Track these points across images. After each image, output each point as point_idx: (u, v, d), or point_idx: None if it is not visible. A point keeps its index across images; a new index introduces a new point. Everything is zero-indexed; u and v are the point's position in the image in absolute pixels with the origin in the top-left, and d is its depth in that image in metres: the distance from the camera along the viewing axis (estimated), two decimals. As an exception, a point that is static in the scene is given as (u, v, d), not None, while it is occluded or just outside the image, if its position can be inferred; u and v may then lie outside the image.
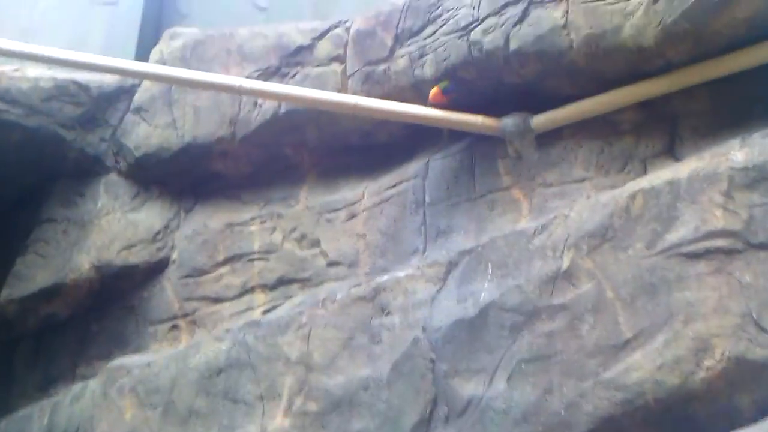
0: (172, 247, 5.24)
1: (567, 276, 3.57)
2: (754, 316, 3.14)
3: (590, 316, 3.45)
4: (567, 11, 3.99)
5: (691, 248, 3.34)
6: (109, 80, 5.60)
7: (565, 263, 3.60)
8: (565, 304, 3.53)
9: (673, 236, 3.40)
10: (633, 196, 3.58)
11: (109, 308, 5.32)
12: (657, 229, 3.45)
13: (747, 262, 3.23)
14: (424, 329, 3.88)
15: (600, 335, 3.40)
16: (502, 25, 4.19)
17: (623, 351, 3.33)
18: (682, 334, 3.24)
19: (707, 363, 3.15)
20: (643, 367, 3.25)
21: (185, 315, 5.03)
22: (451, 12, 4.44)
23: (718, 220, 3.33)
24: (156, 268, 5.22)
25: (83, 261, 5.28)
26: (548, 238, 3.72)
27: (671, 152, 3.97)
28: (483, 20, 4.26)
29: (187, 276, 5.10)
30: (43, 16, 7.05)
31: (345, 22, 4.97)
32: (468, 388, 3.63)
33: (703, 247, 3.32)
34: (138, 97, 5.47)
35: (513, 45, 4.14)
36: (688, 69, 3.84)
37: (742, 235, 3.26)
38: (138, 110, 5.43)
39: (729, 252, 3.27)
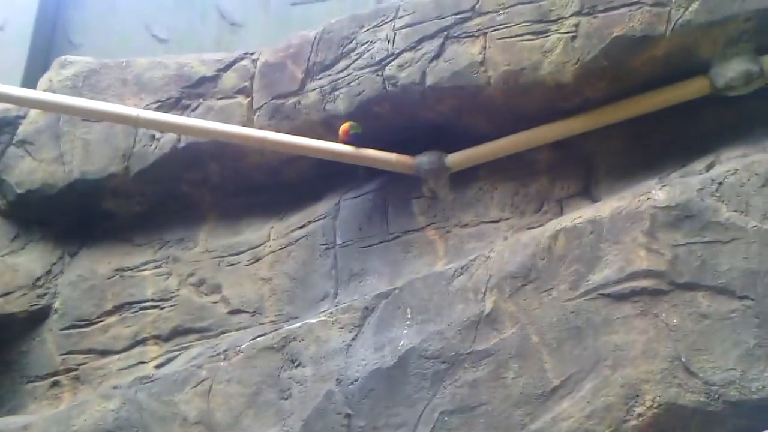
0: (55, 295, 4.74)
1: (490, 320, 3.40)
2: (683, 360, 3.05)
3: (515, 362, 3.28)
4: (485, 47, 3.90)
5: (616, 289, 3.25)
6: (-10, 110, 5.10)
7: (488, 306, 3.43)
8: (489, 350, 3.35)
9: (597, 277, 3.30)
10: (555, 236, 3.46)
11: (-19, 363, 4.74)
12: (580, 269, 3.34)
13: (673, 304, 3.16)
14: (338, 381, 3.59)
15: (526, 383, 3.24)
16: (419, 60, 4.06)
17: (551, 399, 3.17)
18: (611, 380, 3.11)
19: (638, 410, 3.04)
20: (572, 416, 3.10)
21: (68, 370, 4.52)
22: (365, 46, 4.28)
23: (642, 260, 3.25)
24: (36, 318, 4.70)
25: (-49, 310, 4.70)
26: (469, 279, 3.54)
27: (587, 193, 3.92)
28: (399, 55, 4.12)
29: (71, 326, 4.61)
30: None
31: (252, 53, 4.72)
32: (386, 445, 3.36)
33: (629, 288, 3.23)
34: (22, 129, 5.00)
35: (429, 80, 4.01)
36: (606, 108, 3.81)
37: (667, 276, 3.20)
38: (22, 143, 4.95)
39: (654, 293, 3.20)
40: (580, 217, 3.47)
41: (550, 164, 3.99)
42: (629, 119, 3.77)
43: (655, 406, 3.01)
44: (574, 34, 3.69)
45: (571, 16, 3.72)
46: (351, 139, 4.13)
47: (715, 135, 3.60)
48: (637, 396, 3.04)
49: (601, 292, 3.25)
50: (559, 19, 3.75)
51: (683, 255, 3.18)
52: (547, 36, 3.75)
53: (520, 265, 3.45)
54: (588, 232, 3.38)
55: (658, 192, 3.35)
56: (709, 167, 3.44)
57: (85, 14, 6.61)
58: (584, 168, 3.93)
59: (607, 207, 3.45)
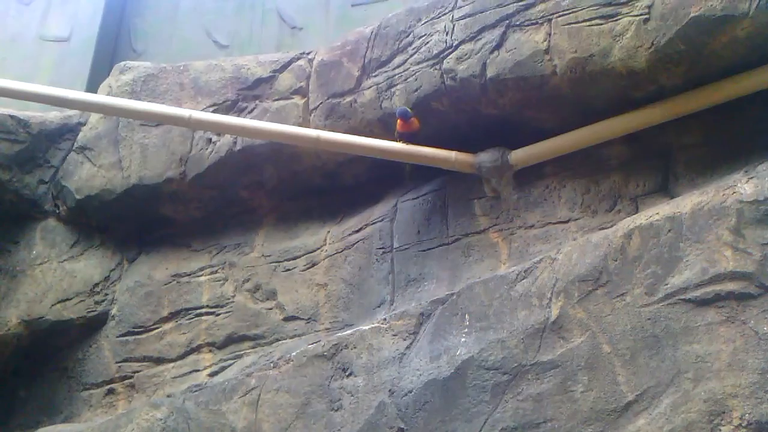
0: (113, 301, 4.70)
1: (556, 328, 3.12)
2: (776, 373, 2.69)
3: (584, 374, 2.99)
4: (549, 34, 3.64)
5: (698, 294, 2.93)
6: (52, 117, 5.15)
7: (554, 313, 3.15)
8: (554, 360, 3.06)
9: (676, 280, 2.98)
10: (629, 236, 3.15)
11: (39, 370, 4.74)
12: (658, 272, 3.03)
13: (763, 309, 2.83)
14: (391, 392, 3.37)
15: (597, 397, 2.94)
16: (478, 51, 3.83)
17: (624, 416, 2.87)
18: (693, 394, 2.79)
19: (724, 429, 2.72)
20: (649, 435, 2.78)
21: (123, 378, 4.47)
22: (422, 39, 4.08)
23: (728, 260, 2.93)
24: (93, 325, 4.67)
25: (11, 315, 4.72)
26: (533, 283, 3.27)
27: (664, 189, 3.62)
28: (457, 47, 3.91)
29: (127, 333, 4.56)
30: (-12, 54, 6.65)
31: (308, 53, 4.59)
32: (443, 463, 3.13)
33: (712, 292, 2.91)
34: (83, 136, 5.01)
35: (490, 72, 3.77)
36: (683, 96, 3.50)
37: (756, 278, 2.87)
38: (82, 149, 4.96)
39: (742, 297, 2.87)
40: (657, 214, 3.16)
41: (623, 159, 3.71)
42: (710, 108, 3.46)
43: (744, 424, 2.69)
44: (646, 16, 3.40)
45: (644, -4, 3.43)
46: (405, 135, 3.90)
47: (808, 122, 3.24)
48: (723, 413, 2.73)
49: (681, 296, 2.95)
50: (630, 0, 3.46)
51: (775, 255, 2.83)
52: (617, 19, 3.47)
53: (590, 268, 3.17)
54: (666, 230, 3.08)
55: (744, 185, 3.03)
56: (802, 157, 3.08)
57: (148, 22, 6.66)
58: (661, 162, 3.64)
59: (687, 203, 3.13)
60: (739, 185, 3.05)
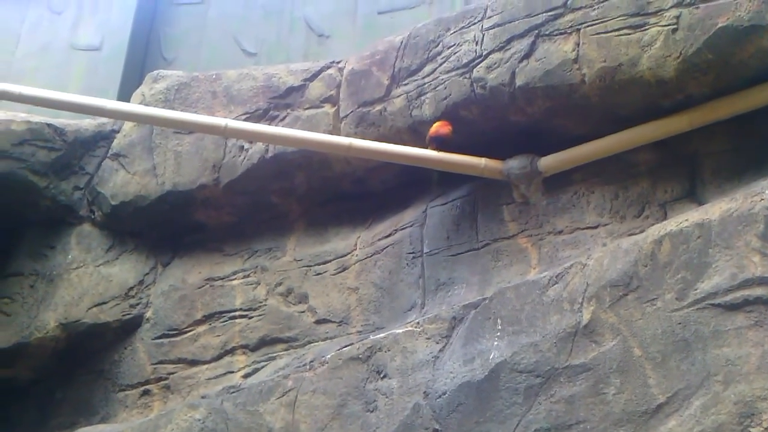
0: (147, 304, 4.80)
1: (588, 332, 3.18)
2: (805, 376, 2.75)
3: (616, 377, 3.04)
4: (578, 44, 3.70)
5: (728, 299, 2.98)
6: (87, 125, 5.26)
7: (585, 317, 3.21)
8: (586, 364, 3.12)
9: (706, 285, 3.04)
10: (659, 242, 3.21)
11: (76, 372, 4.84)
12: (687, 277, 3.08)
13: (792, 314, 2.86)
14: (425, 394, 3.45)
15: (628, 400, 2.99)
16: (507, 60, 3.90)
17: (655, 418, 2.92)
18: (723, 397, 2.84)
19: (754, 431, 2.75)
20: (681, 436, 2.84)
21: (158, 379, 4.56)
22: (452, 49, 4.16)
23: (757, 266, 2.98)
24: (128, 327, 4.77)
25: (49, 318, 4.83)
26: (564, 288, 3.33)
27: (692, 195, 3.66)
28: (486, 56, 3.98)
29: (162, 336, 4.66)
30: (21, 63, 6.79)
31: (338, 62, 4.68)
32: (477, 464, 3.19)
33: (741, 297, 2.95)
34: (117, 143, 5.12)
35: (519, 81, 3.84)
36: (711, 104, 3.55)
37: (785, 284, 2.90)
38: (116, 156, 5.07)
39: (771, 303, 2.90)
40: (686, 220, 3.22)
41: (652, 166, 3.76)
42: (737, 116, 3.50)
43: (775, 427, 2.72)
44: (674, 26, 3.46)
45: (672, 7, 3.50)
46: (437, 140, 3.99)
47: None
48: (753, 415, 2.77)
49: (710, 301, 3.00)
50: (658, 11, 3.53)
51: (802, 261, 2.89)
52: (645, 29, 3.53)
53: (620, 273, 3.23)
54: (695, 236, 3.13)
55: (771, 192, 3.06)
56: (829, 163, 3.13)
57: (177, 30, 6.78)
58: (689, 169, 3.69)
59: (716, 209, 3.18)
60: (766, 192, 3.09)
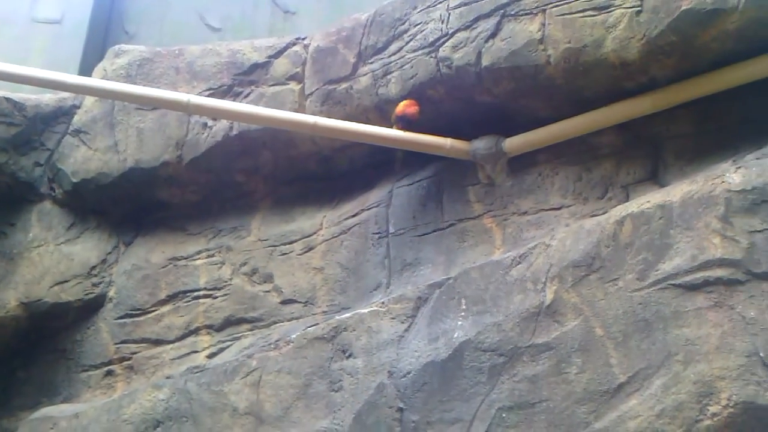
0: (110, 284, 4.74)
1: (551, 312, 3.21)
2: (762, 355, 2.82)
3: (578, 357, 3.09)
4: (544, 24, 3.70)
5: (688, 279, 3.02)
6: (47, 100, 5.14)
7: (549, 297, 3.24)
8: (549, 343, 3.16)
9: (667, 266, 3.08)
10: (621, 222, 3.25)
11: (38, 352, 4.78)
12: (649, 258, 3.12)
13: (750, 295, 2.92)
14: (390, 374, 3.46)
15: (590, 379, 3.04)
16: (474, 40, 3.88)
17: (617, 397, 2.97)
18: (683, 376, 2.90)
19: (712, 409, 2.81)
20: (640, 414, 2.89)
21: (122, 359, 4.52)
22: (418, 27, 4.13)
23: (716, 248, 3.02)
24: (91, 307, 4.71)
25: (9, 298, 4.75)
26: (528, 268, 3.36)
27: (654, 178, 3.70)
28: (453, 35, 3.96)
29: (125, 316, 4.61)
30: (-22, 36, 6.60)
31: (303, 38, 4.62)
32: (441, 441, 3.22)
33: (701, 278, 3.00)
34: (78, 119, 5.01)
35: (485, 61, 3.83)
36: (674, 87, 3.57)
37: (744, 265, 2.96)
38: (77, 132, 4.97)
39: (730, 283, 2.96)
40: (648, 202, 3.25)
41: (615, 148, 3.79)
42: (699, 99, 3.53)
43: (731, 405, 2.79)
44: (639, 8, 3.47)
45: (636, -12, 3.50)
46: (404, 119, 3.97)
47: (795, 113, 3.34)
48: (712, 394, 2.83)
49: (671, 282, 3.04)
50: (623, -8, 3.53)
51: (761, 242, 2.94)
52: (610, 11, 3.54)
53: (583, 254, 3.26)
54: (657, 217, 3.17)
55: (732, 175, 3.12)
56: (789, 147, 3.18)
57: (140, 5, 6.64)
58: (651, 151, 3.72)
59: (677, 191, 3.22)
60: (727, 175, 3.14)
